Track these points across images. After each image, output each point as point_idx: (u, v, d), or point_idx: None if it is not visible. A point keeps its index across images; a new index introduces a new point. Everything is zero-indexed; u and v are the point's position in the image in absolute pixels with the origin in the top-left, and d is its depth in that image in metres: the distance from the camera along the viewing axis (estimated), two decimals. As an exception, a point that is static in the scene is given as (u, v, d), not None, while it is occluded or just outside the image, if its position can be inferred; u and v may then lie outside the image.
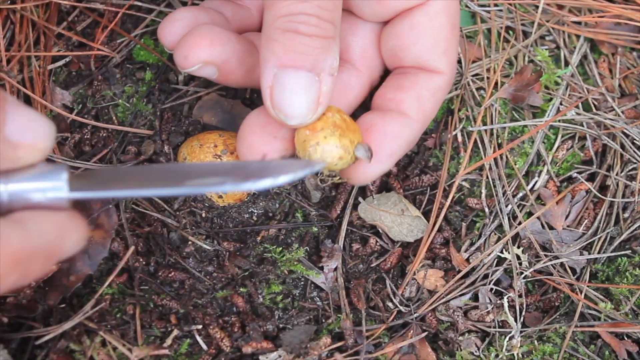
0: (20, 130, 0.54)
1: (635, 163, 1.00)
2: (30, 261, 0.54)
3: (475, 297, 0.94)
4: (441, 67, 0.82)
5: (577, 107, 1.04)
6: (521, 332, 0.91)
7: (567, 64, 1.08)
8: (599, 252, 0.96)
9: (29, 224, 0.54)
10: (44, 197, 0.56)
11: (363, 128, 0.81)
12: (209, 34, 0.81)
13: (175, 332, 0.88)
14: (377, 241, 0.97)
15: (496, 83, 1.03)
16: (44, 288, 0.87)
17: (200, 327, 0.89)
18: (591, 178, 1.02)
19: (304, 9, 0.71)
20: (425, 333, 0.90)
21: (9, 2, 1.00)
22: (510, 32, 1.09)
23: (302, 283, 0.94)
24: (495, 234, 0.96)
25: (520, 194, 0.99)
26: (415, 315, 0.91)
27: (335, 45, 0.74)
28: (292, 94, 0.73)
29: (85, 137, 0.97)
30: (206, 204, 0.93)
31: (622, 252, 0.96)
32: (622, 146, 1.02)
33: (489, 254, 0.95)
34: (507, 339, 0.90)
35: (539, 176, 1.00)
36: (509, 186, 0.99)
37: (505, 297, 0.92)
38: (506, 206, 0.97)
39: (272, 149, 0.77)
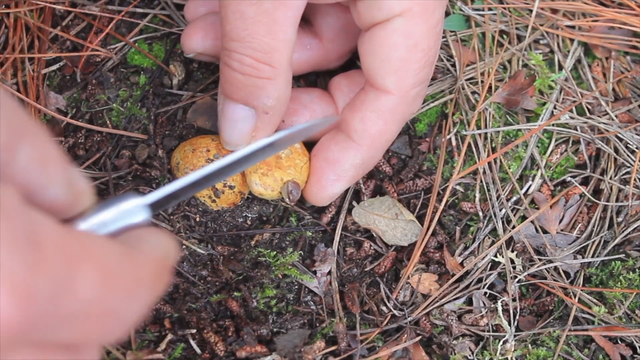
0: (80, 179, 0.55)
1: (629, 167, 1.01)
2: (164, 269, 0.52)
3: (469, 301, 0.94)
4: (389, 86, 0.81)
5: (570, 111, 1.04)
6: (515, 336, 0.91)
7: (561, 68, 1.08)
8: (592, 256, 0.97)
9: (146, 238, 0.53)
10: (131, 220, 0.54)
11: (312, 153, 0.89)
12: (205, 25, 0.89)
13: (169, 336, 0.88)
14: (371, 245, 0.97)
15: (490, 87, 1.03)
16: None
17: (194, 331, 0.89)
18: (585, 182, 1.02)
19: (237, 48, 0.76)
20: (419, 337, 0.90)
21: (3, 6, 1.00)
22: (504, 36, 1.09)
23: (296, 287, 0.94)
24: (489, 238, 0.97)
25: (514, 198, 0.99)
26: (409, 319, 0.91)
27: (271, 86, 0.78)
28: (227, 122, 0.81)
29: (79, 141, 0.97)
30: (200, 208, 0.93)
31: (616, 256, 0.96)
32: (616, 150, 1.02)
33: (483, 258, 0.95)
34: (501, 342, 0.90)
35: (532, 180, 1.00)
36: (502, 190, 0.99)
37: (499, 301, 0.92)
38: (500, 210, 0.97)
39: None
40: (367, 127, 0.84)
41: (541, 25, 1.10)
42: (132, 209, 0.54)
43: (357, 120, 0.84)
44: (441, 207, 0.97)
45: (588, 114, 1.05)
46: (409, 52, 0.80)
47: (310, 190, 0.90)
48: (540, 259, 0.95)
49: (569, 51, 1.10)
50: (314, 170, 0.89)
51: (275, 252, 0.94)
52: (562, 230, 0.98)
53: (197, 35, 0.90)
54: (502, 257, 0.95)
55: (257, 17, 0.73)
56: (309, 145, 0.93)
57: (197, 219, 0.93)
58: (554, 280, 0.95)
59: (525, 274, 0.94)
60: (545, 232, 0.98)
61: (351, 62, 1.00)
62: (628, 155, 1.01)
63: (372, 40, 0.80)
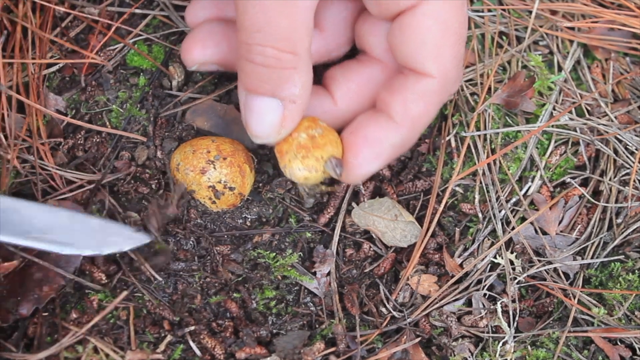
0: None
1: (628, 168, 1.01)
2: None
3: (468, 303, 0.94)
4: (430, 70, 0.81)
5: (570, 112, 1.04)
6: (514, 337, 0.91)
7: (560, 69, 1.08)
8: (592, 257, 0.97)
9: None
10: None
11: (349, 130, 0.87)
12: (202, 36, 0.89)
13: (169, 337, 0.88)
14: (370, 246, 0.97)
15: (489, 88, 1.03)
16: (16, 298, 0.86)
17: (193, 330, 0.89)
18: (584, 183, 1.02)
19: (258, 40, 0.75)
20: (419, 338, 0.90)
21: (7, 11, 1.00)
22: (504, 38, 1.09)
23: (296, 288, 0.94)
24: (488, 239, 0.96)
25: (514, 199, 0.99)
26: (409, 320, 0.91)
27: (296, 74, 0.77)
28: (255, 117, 0.81)
29: (79, 142, 0.97)
30: (200, 209, 0.93)
31: (616, 257, 0.96)
32: (615, 151, 1.02)
33: (483, 259, 0.95)
34: (500, 344, 0.90)
35: (532, 181, 1.00)
36: (502, 191, 0.99)
37: (498, 303, 0.92)
38: (499, 211, 0.97)
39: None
40: (408, 108, 0.83)
41: (540, 26, 1.10)
42: None
43: (397, 102, 0.84)
44: (441, 209, 0.97)
45: (587, 115, 1.05)
46: (443, 34, 0.80)
47: (345, 167, 0.86)
48: (539, 260, 0.95)
49: (568, 52, 1.10)
50: (350, 147, 0.86)
51: (274, 254, 0.94)
52: (561, 231, 0.98)
53: (196, 46, 0.89)
54: (502, 258, 0.95)
55: (277, 4, 0.74)
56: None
57: (197, 220, 0.93)
58: (554, 281, 0.95)
59: (525, 275, 0.94)
60: (544, 233, 0.98)
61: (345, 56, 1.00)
62: (627, 156, 1.01)
63: (403, 29, 0.80)
